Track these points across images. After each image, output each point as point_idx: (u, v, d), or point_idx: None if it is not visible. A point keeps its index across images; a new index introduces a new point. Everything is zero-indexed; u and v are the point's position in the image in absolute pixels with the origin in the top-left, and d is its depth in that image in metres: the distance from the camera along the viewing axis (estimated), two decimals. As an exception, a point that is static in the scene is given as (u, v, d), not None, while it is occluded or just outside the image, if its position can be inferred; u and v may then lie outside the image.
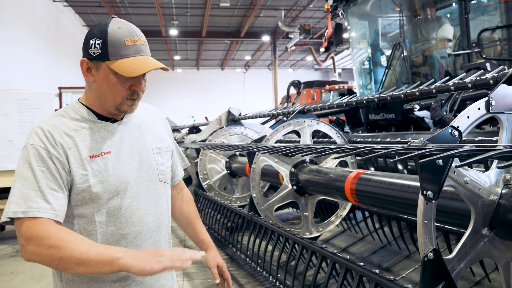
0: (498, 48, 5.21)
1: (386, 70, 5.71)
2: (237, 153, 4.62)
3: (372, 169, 3.64)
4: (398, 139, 3.26)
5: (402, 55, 5.46)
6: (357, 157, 3.44)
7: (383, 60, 6.32)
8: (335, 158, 2.99)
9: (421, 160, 1.24)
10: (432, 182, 1.45)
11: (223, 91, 29.93)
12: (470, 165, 1.65)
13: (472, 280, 2.68)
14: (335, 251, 2.10)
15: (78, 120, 1.38)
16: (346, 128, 6.33)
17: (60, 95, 10.63)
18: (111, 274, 1.33)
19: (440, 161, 1.42)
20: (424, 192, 1.45)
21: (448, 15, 5.49)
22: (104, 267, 1.17)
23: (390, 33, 6.36)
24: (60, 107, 10.29)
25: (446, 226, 2.59)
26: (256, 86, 30.48)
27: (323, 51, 7.16)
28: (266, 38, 22.11)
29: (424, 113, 4.11)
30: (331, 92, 17.21)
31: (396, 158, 1.34)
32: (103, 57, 1.31)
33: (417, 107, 4.07)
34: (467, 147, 1.23)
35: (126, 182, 1.38)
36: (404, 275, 3.06)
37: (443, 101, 3.81)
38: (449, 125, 1.51)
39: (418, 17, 5.66)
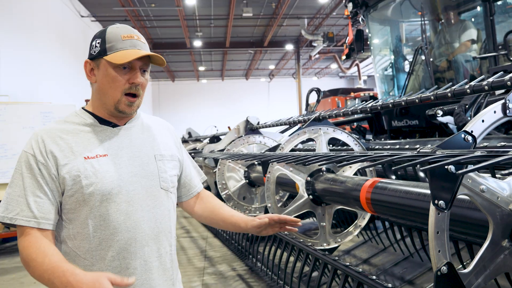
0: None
1: (408, 76, 5.57)
2: (256, 162, 4.57)
3: (394, 177, 3.52)
4: (417, 146, 3.13)
5: (425, 59, 5.31)
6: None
7: (406, 66, 6.18)
8: (339, 166, 2.89)
9: (427, 167, 1.16)
10: (444, 190, 1.36)
11: (248, 101, 30.03)
12: (492, 173, 1.54)
13: (499, 294, 2.52)
14: (347, 263, 2.01)
15: (79, 124, 1.42)
16: (369, 136, 6.19)
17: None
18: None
19: (453, 168, 1.33)
20: (436, 201, 1.37)
21: (473, 19, 5.32)
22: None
23: (412, 38, 6.22)
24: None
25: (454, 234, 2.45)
26: (281, 95, 30.46)
27: (345, 58, 7.06)
28: (289, 47, 22.09)
29: (448, 119, 3.96)
30: (356, 99, 17.00)
31: (401, 165, 1.26)
32: (102, 53, 1.38)
33: (440, 112, 3.93)
34: (478, 152, 1.14)
35: (120, 186, 1.37)
36: (427, 287, 2.93)
37: (467, 106, 3.67)
38: (462, 130, 1.42)
39: (441, 21, 5.50)
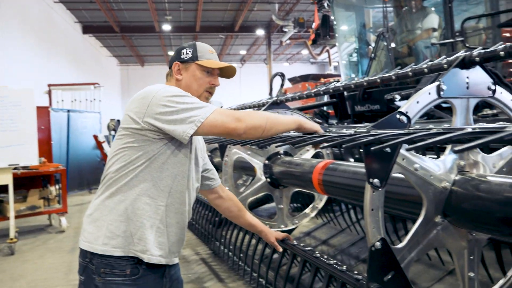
0: (483, 37, 5.16)
1: (370, 61, 5.66)
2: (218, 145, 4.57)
3: (352, 160, 3.60)
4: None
5: (386, 45, 5.40)
6: (333, 148, 3.40)
7: (370, 52, 6.26)
8: (296, 147, 2.95)
9: (372, 148, 1.20)
10: (378, 169, 1.41)
11: (219, 86, 29.55)
12: (423, 152, 1.59)
13: (444, 269, 2.64)
14: (295, 242, 2.06)
15: None
16: (333, 121, 6.28)
17: (49, 92, 10.52)
18: None
19: (388, 148, 1.37)
20: (370, 180, 1.41)
21: (433, 8, 5.43)
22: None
23: (375, 24, 6.29)
24: (50, 104, 10.21)
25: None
26: (253, 81, 30.34)
27: (311, 44, 7.09)
28: (260, 32, 21.96)
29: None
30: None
31: (344, 146, 1.29)
32: (193, 58, 1.77)
33: (398, 97, 4.01)
34: (419, 132, 1.18)
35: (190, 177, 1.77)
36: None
37: (422, 91, 3.77)
38: (397, 110, 1.46)
39: (404, 7, 5.59)
